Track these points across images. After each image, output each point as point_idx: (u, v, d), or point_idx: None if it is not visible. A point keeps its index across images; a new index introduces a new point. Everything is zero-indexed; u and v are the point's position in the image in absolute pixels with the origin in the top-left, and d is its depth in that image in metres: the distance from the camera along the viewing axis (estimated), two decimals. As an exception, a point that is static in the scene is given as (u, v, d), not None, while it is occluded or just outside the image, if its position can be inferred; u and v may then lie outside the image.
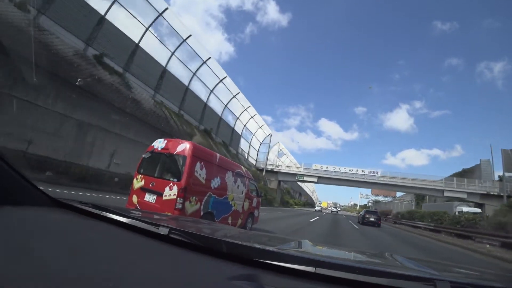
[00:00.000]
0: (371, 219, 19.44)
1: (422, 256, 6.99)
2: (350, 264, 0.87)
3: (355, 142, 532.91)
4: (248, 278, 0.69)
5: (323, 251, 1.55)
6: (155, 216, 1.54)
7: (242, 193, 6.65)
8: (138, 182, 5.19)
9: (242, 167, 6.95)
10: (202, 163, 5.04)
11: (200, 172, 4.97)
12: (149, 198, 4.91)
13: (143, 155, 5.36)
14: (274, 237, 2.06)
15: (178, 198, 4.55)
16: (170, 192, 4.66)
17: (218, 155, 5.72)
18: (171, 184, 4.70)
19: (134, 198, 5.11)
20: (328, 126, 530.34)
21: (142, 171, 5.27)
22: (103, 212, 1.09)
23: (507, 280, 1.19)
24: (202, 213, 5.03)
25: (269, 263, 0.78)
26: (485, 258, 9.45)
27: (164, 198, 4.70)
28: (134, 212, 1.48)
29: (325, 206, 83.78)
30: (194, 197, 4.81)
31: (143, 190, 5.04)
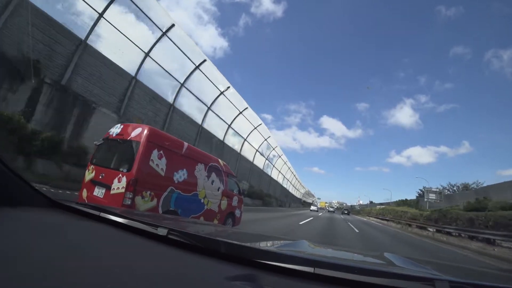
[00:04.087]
0: (345, 212, 53.43)
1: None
2: (349, 264, 0.84)
3: (359, 140, 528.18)
4: (247, 278, 0.69)
5: (321, 251, 1.53)
6: (154, 217, 1.52)
7: (219, 190, 5.82)
8: (89, 174, 4.44)
9: (220, 160, 6.13)
10: (162, 152, 4.24)
11: (158, 162, 4.17)
12: (98, 192, 4.14)
13: (95, 142, 4.61)
14: (273, 238, 1.97)
15: (127, 192, 3.76)
16: (119, 185, 3.87)
17: (186, 144, 4.91)
18: (120, 175, 3.91)
19: (84, 193, 4.36)
20: (331, 123, 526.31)
21: (94, 161, 4.52)
22: (101, 213, 1.08)
23: (506, 279, 1.19)
24: (161, 212, 4.22)
25: (268, 263, 0.77)
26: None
27: (112, 192, 3.92)
28: (133, 213, 1.50)
29: (323, 206, 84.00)
30: (148, 192, 4.01)
31: (93, 183, 4.29)
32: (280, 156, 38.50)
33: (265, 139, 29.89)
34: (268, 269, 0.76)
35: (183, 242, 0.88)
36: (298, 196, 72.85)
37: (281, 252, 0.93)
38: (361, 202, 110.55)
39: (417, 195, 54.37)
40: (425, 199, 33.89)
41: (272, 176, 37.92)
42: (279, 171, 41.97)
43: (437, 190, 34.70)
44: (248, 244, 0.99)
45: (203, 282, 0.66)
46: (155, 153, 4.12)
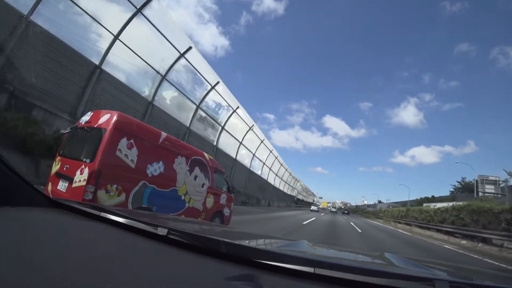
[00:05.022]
0: (345, 211, 58.90)
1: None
2: (349, 264, 0.83)
3: (362, 140, 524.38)
4: (247, 278, 0.68)
5: (322, 252, 1.51)
6: (154, 217, 1.51)
7: (203, 186, 5.35)
8: (55, 166, 4.04)
9: (205, 154, 5.66)
10: (132, 141, 3.79)
11: (128, 152, 3.73)
12: (62, 185, 3.73)
13: (61, 131, 4.21)
14: (273, 238, 1.94)
15: (88, 185, 3.32)
16: (80, 177, 3.44)
17: (163, 134, 4.45)
18: (83, 166, 3.48)
19: (49, 187, 3.96)
20: (334, 122, 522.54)
21: (61, 152, 4.11)
22: (101, 212, 1.07)
23: (506, 279, 1.19)
24: (131, 208, 3.77)
25: (268, 263, 0.77)
26: None
27: (73, 185, 3.49)
28: (133, 212, 1.55)
29: (325, 206, 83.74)
30: (115, 186, 3.57)
31: (58, 175, 3.88)
32: (235, 110, 19.04)
33: (195, 69, 13.84)
34: (268, 269, 0.75)
35: (183, 242, 0.88)
36: (291, 193, 54.80)
37: (282, 252, 0.92)
38: (365, 202, 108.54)
39: (453, 190, 43.21)
40: (480, 193, 23.10)
41: (225, 151, 19.97)
42: (245, 146, 22.86)
43: (497, 179, 23.21)
44: (248, 244, 1.03)
45: (203, 282, 0.65)
46: (123, 142, 3.68)
